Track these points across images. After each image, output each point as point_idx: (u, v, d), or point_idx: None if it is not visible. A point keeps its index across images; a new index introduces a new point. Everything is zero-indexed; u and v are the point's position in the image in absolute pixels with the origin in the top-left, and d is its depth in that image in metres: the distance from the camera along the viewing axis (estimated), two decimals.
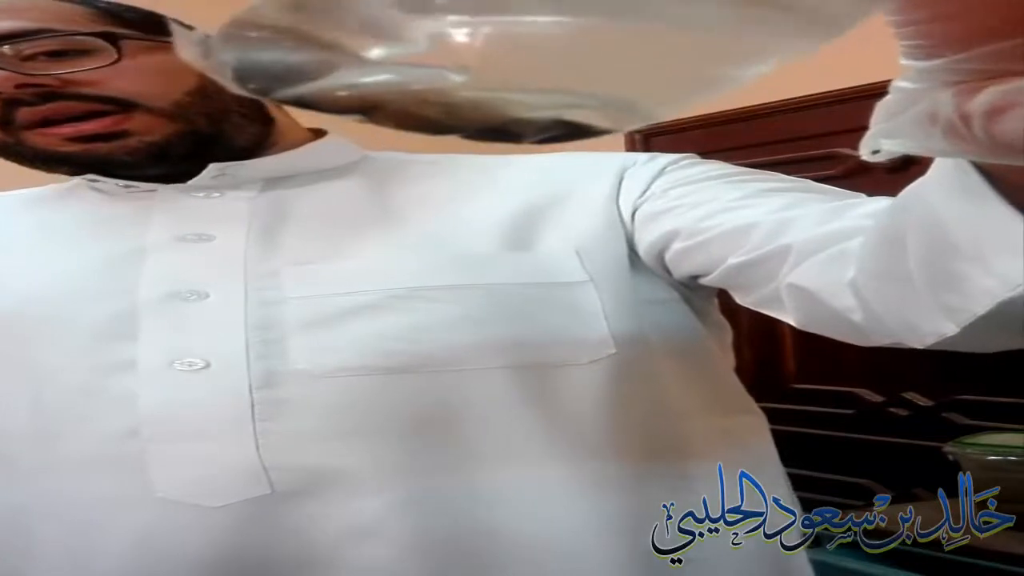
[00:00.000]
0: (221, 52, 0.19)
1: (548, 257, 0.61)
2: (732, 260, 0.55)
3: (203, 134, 0.62)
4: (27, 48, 0.58)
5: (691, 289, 0.64)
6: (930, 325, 0.41)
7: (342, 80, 0.17)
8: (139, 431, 0.53)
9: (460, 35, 0.17)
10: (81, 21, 0.60)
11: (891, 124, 0.23)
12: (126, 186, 0.64)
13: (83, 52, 0.59)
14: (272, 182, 0.65)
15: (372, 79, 0.17)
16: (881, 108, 0.24)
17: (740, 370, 0.69)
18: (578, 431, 0.57)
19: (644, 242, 0.61)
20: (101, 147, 0.60)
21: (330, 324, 0.56)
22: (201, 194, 0.63)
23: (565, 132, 0.20)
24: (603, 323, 0.59)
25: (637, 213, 0.62)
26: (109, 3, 0.63)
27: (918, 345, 0.43)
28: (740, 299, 0.58)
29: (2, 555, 0.55)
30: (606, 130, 0.20)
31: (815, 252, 0.49)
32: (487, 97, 0.18)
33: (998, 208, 0.33)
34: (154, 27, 0.63)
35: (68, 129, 0.60)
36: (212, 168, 0.63)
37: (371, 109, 0.18)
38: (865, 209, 0.50)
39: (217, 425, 0.53)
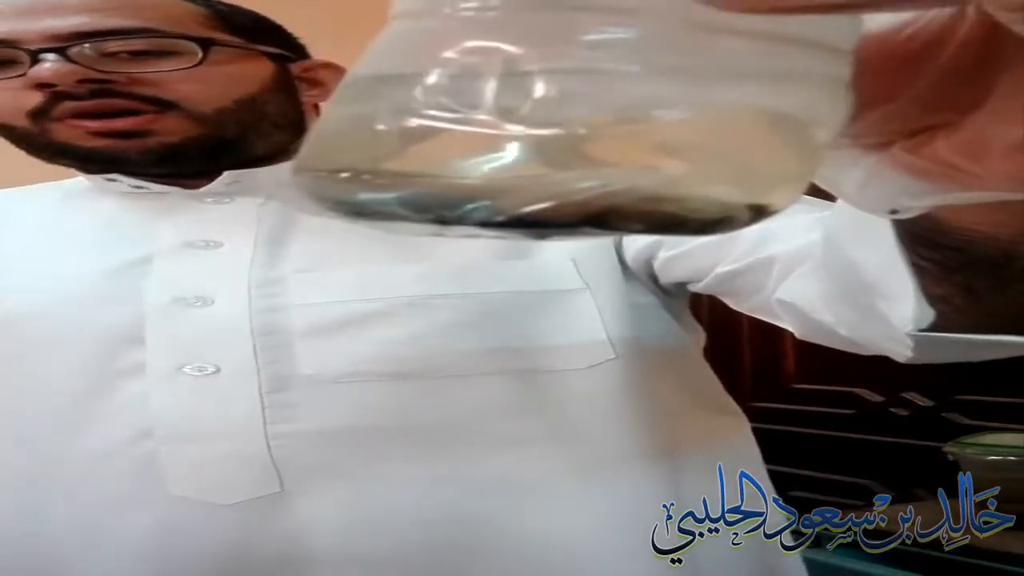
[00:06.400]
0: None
1: (545, 265, 0.62)
2: (720, 269, 0.56)
3: (225, 139, 0.62)
4: (115, 45, 0.57)
5: (669, 295, 0.66)
6: (888, 345, 0.41)
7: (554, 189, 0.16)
8: (153, 432, 0.54)
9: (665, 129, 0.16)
10: (189, 22, 0.59)
11: (866, 194, 0.22)
12: (137, 187, 0.64)
13: (168, 53, 0.58)
14: (281, 187, 0.65)
15: (582, 185, 0.16)
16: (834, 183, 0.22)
17: (740, 370, 0.69)
18: (579, 434, 0.58)
19: (631, 250, 0.63)
20: (119, 144, 0.59)
21: (334, 331, 0.57)
22: (211, 199, 0.64)
23: (751, 216, 0.18)
24: (601, 328, 0.60)
25: None
26: (229, 6, 0.61)
27: (899, 359, 0.43)
28: (734, 305, 0.59)
29: (13, 554, 0.55)
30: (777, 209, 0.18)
31: (796, 266, 0.50)
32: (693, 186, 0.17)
33: (894, 253, 0.34)
34: (262, 34, 0.62)
35: (97, 124, 0.58)
36: (227, 175, 0.63)
37: (607, 215, 0.16)
38: None
39: (230, 427, 0.54)
